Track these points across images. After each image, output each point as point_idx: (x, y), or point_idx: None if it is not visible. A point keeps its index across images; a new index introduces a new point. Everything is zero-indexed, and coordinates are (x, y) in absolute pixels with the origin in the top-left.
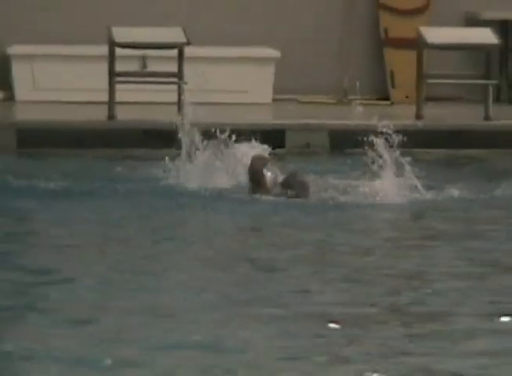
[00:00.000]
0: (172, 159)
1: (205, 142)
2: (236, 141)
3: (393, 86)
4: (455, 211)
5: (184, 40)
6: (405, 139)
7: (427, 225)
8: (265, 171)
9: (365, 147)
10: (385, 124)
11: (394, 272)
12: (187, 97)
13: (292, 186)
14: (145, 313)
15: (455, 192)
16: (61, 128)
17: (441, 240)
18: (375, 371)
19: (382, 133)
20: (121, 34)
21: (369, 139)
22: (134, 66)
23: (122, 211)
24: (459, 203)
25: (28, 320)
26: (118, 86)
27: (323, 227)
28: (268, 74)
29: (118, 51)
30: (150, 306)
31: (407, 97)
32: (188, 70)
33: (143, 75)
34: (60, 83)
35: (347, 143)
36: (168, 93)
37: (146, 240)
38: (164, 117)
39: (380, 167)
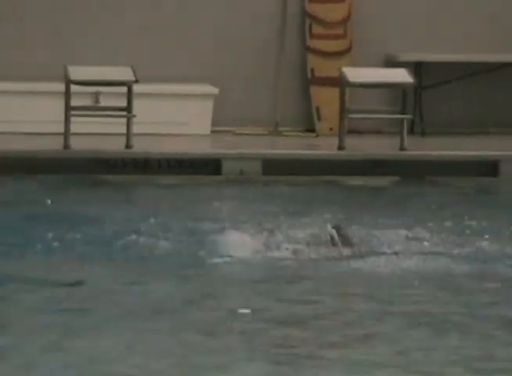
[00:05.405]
0: None
1: None
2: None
3: (319, 120)
4: None
5: (132, 78)
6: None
7: None
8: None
9: None
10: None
11: None
12: (136, 129)
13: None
14: None
15: None
16: (16, 157)
17: None
18: None
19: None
20: (76, 72)
21: None
22: (88, 101)
23: None
24: None
25: None
26: (73, 119)
27: None
28: (207, 108)
29: (74, 87)
30: None
31: (331, 129)
32: (137, 104)
33: (96, 109)
34: (18, 116)
35: (277, 170)
36: (118, 125)
37: None
38: (114, 146)
39: None
